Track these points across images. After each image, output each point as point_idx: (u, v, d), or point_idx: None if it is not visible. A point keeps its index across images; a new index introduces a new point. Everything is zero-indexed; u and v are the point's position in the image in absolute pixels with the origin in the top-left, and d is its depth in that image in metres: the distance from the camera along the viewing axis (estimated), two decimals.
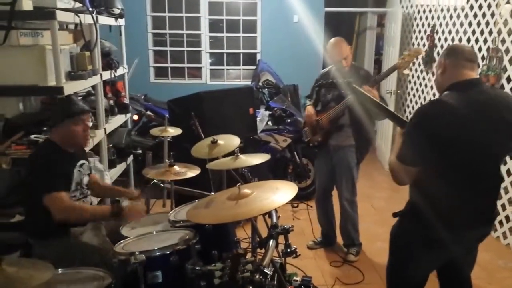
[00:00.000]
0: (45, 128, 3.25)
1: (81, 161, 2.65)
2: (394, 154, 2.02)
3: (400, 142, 2.01)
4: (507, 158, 3.83)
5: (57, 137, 2.52)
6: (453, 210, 1.95)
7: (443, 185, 1.93)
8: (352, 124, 3.43)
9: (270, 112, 4.91)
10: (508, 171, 3.90)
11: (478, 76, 2.30)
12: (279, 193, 1.76)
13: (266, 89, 5.50)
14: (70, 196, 2.44)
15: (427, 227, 1.98)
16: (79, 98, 3.72)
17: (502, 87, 3.90)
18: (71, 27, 3.83)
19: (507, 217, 3.89)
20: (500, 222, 3.95)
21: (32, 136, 3.13)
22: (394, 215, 2.17)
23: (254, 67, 6.39)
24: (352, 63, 3.52)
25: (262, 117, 4.82)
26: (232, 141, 2.73)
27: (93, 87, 3.71)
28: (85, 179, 2.66)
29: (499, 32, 3.96)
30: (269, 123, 4.90)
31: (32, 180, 2.42)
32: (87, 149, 3.31)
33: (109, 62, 4.01)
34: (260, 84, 5.50)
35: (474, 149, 1.91)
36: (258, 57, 6.86)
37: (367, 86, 3.15)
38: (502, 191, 3.83)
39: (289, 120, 4.87)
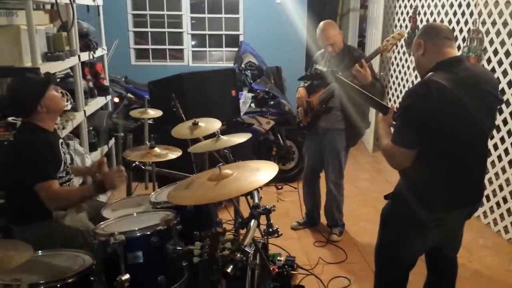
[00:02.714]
0: None
1: (61, 140, 2.61)
2: (386, 139, 2.02)
3: (394, 126, 2.00)
4: None
5: (39, 115, 2.41)
6: (445, 190, 1.97)
7: (435, 165, 1.94)
8: (342, 108, 3.42)
9: (253, 94, 4.87)
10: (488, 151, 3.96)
11: (459, 53, 2.31)
12: (260, 173, 1.75)
13: (249, 71, 5.44)
14: (58, 182, 2.39)
15: (418, 208, 1.99)
16: (58, 80, 3.64)
17: None
18: (47, 7, 3.72)
19: (487, 197, 3.96)
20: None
21: (10, 119, 3.06)
22: (386, 197, 2.17)
23: (236, 49, 6.32)
24: (345, 44, 3.48)
25: (245, 99, 4.78)
26: (213, 123, 2.71)
27: (71, 68, 3.64)
28: (68, 158, 2.63)
29: (480, 14, 3.98)
30: (252, 105, 4.87)
31: (17, 167, 2.33)
32: (66, 131, 3.26)
33: (87, 43, 3.94)
34: (242, 66, 5.44)
35: (467, 127, 1.92)
36: (241, 38, 6.79)
37: (357, 65, 3.11)
38: None
39: (272, 102, 4.85)
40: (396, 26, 5.73)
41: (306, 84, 3.64)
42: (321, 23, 3.45)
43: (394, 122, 2.07)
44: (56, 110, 2.52)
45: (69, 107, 3.43)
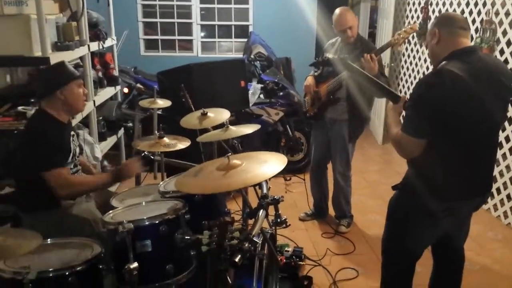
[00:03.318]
0: (32, 100, 3.20)
1: (72, 132, 2.62)
2: (396, 128, 2.00)
3: (405, 115, 1.98)
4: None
5: (55, 104, 2.41)
6: (455, 180, 1.95)
7: (446, 154, 1.92)
8: (348, 98, 3.39)
9: (262, 85, 4.85)
10: (499, 144, 3.91)
11: (473, 43, 2.28)
12: (269, 165, 1.74)
13: (258, 61, 5.42)
14: (69, 171, 2.41)
15: (427, 198, 1.97)
16: None
17: None
18: None
19: (498, 189, 3.92)
20: (491, 194, 3.98)
21: (20, 108, 3.09)
22: (394, 187, 2.16)
23: (246, 40, 6.29)
24: (359, 35, 3.44)
25: (254, 90, 4.77)
26: (222, 114, 2.70)
27: (81, 58, 3.65)
28: (77, 150, 2.64)
29: (493, 4, 3.91)
30: (261, 96, 4.85)
31: (28, 155, 2.34)
32: (76, 121, 3.27)
33: (96, 33, 3.94)
34: (252, 56, 5.42)
35: (479, 117, 1.90)
36: (250, 29, 6.76)
37: (368, 55, 3.08)
38: None
39: (281, 93, 4.83)
40: (407, 17, 5.66)
41: (316, 74, 3.61)
42: (337, 9, 3.41)
43: (404, 112, 2.05)
44: (73, 106, 2.50)
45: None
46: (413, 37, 5.51)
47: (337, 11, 3.40)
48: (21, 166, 2.42)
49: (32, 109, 3.03)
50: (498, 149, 3.82)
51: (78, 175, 2.53)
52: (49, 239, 1.98)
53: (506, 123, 3.74)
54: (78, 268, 1.75)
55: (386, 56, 5.78)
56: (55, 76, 2.46)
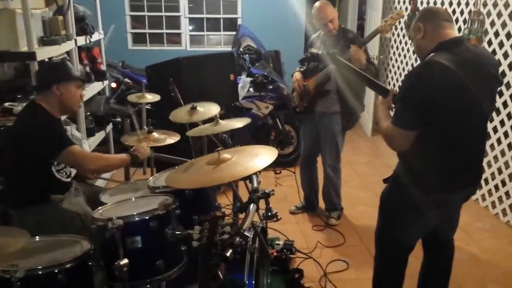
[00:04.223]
0: (19, 96, 3.16)
1: (65, 128, 2.61)
2: (386, 121, 2.00)
3: (395, 108, 1.98)
4: None
5: (50, 100, 2.38)
6: (444, 171, 1.97)
7: (435, 146, 1.93)
8: (338, 90, 3.40)
9: (252, 79, 4.84)
10: (487, 135, 3.95)
11: (461, 35, 2.28)
12: (259, 158, 1.73)
13: (247, 55, 5.39)
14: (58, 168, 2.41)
15: (417, 191, 1.99)
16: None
17: None
18: None
19: (486, 180, 3.97)
20: (479, 185, 4.02)
21: (6, 104, 3.04)
22: (385, 180, 2.17)
23: (234, 33, 6.26)
24: (341, 26, 3.45)
25: (244, 83, 4.75)
26: (212, 107, 2.69)
27: (68, 53, 3.60)
28: None
29: None
30: (251, 89, 4.84)
31: (28, 148, 2.29)
32: (63, 116, 3.23)
33: (83, 27, 3.89)
34: (241, 50, 5.39)
35: (468, 108, 1.91)
36: (239, 22, 6.72)
37: (354, 46, 3.11)
38: None
39: (271, 87, 4.82)
40: (396, 9, 5.65)
41: (302, 69, 3.62)
42: (317, 3, 3.43)
43: (393, 105, 2.05)
44: (68, 105, 2.47)
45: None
46: (402, 29, 5.52)
47: (317, 4, 3.41)
48: (12, 160, 2.37)
49: (19, 105, 2.99)
50: (486, 139, 3.87)
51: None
52: (37, 237, 1.96)
53: (494, 114, 3.77)
54: (67, 266, 1.72)
55: (375, 48, 5.80)
56: (54, 71, 2.46)
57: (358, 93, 3.46)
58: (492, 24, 3.82)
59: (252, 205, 1.77)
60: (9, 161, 2.40)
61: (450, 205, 2.10)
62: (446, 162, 1.96)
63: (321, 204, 3.86)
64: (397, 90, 2.04)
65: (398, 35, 5.64)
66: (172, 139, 2.69)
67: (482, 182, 3.99)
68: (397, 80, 5.75)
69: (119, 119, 4.88)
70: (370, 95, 5.86)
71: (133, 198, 2.19)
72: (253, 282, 1.98)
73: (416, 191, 1.99)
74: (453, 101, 1.86)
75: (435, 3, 4.69)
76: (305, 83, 3.53)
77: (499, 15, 3.72)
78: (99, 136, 4.17)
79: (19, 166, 2.34)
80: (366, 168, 4.96)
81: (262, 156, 1.75)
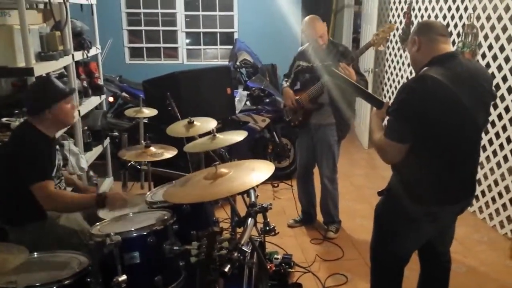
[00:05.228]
0: (16, 111, 3.16)
1: (57, 146, 2.60)
2: (379, 133, 2.02)
3: (388, 120, 2.00)
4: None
5: (43, 121, 2.39)
6: (438, 185, 1.98)
7: (429, 159, 1.95)
8: (331, 102, 3.43)
9: (248, 92, 4.86)
10: (483, 147, 3.98)
11: (454, 49, 2.31)
12: (256, 172, 1.74)
13: (244, 68, 5.44)
14: (53, 184, 2.38)
15: (411, 204, 2.00)
16: None
17: None
18: (41, 6, 3.69)
19: (482, 192, 3.98)
20: (476, 197, 4.03)
21: (4, 119, 3.04)
22: (379, 193, 2.18)
23: (231, 47, 6.30)
24: (330, 40, 3.50)
25: (240, 97, 4.78)
26: (209, 122, 2.70)
27: (65, 68, 3.61)
28: (61, 163, 2.63)
29: (474, 9, 3.98)
30: (248, 103, 4.87)
31: (15, 166, 2.30)
32: (61, 131, 3.24)
33: (81, 42, 3.90)
34: (237, 63, 5.43)
35: (461, 122, 1.93)
36: (236, 36, 6.78)
37: (343, 64, 3.16)
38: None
39: (267, 100, 4.85)
40: (390, 22, 5.72)
41: (288, 83, 3.65)
42: (306, 18, 3.49)
43: (387, 117, 2.07)
44: (63, 122, 2.50)
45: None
46: (396, 42, 5.58)
47: (307, 19, 3.47)
48: (6, 178, 2.38)
49: (16, 121, 2.99)
50: (482, 152, 3.89)
51: (64, 190, 2.50)
52: (35, 253, 1.95)
53: (489, 126, 3.80)
54: (66, 282, 1.71)
55: (369, 61, 5.84)
56: (43, 95, 2.42)
57: (350, 102, 3.50)
58: (486, 37, 3.87)
59: (250, 219, 1.77)
60: (3, 179, 2.40)
61: (443, 217, 2.11)
62: (438, 175, 1.97)
63: (319, 217, 3.85)
64: (392, 102, 2.06)
65: (393, 48, 5.69)
66: (169, 153, 2.69)
67: (479, 194, 4.00)
68: (392, 93, 5.79)
69: (116, 134, 4.88)
70: (366, 107, 5.89)
71: (130, 214, 2.18)
72: None
73: (409, 203, 2.00)
74: (446, 115, 1.88)
75: (429, 16, 4.75)
76: (297, 97, 3.55)
77: (493, 28, 3.77)
78: (97, 150, 4.16)
79: (13, 184, 2.33)
80: (362, 180, 4.96)
81: (259, 171, 1.76)
